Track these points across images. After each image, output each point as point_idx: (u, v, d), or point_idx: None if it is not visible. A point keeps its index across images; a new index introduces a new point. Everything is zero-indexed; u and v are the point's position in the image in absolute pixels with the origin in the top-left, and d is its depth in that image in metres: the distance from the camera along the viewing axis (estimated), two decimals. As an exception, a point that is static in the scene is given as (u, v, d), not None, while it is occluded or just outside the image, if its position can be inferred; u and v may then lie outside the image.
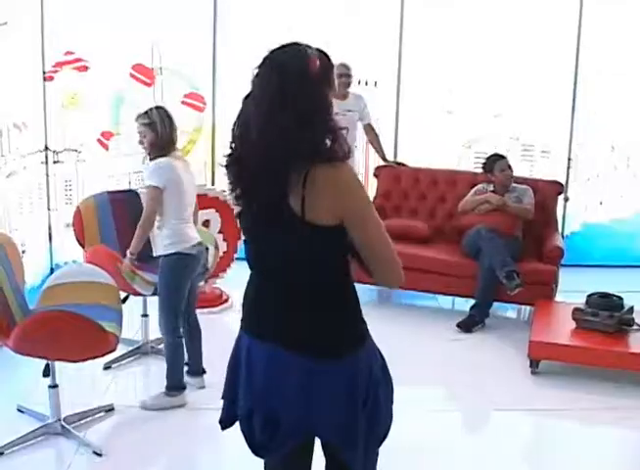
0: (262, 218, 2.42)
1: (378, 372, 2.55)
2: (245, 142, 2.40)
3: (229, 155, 2.45)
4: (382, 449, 2.66)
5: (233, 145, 2.44)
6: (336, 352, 2.45)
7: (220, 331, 6.10)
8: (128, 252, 4.64)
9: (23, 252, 5.93)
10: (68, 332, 3.97)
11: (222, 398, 2.67)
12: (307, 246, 2.39)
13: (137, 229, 4.59)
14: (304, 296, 2.46)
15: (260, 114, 2.33)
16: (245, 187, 2.44)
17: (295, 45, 2.37)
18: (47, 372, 4.26)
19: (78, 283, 4.44)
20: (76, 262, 5.18)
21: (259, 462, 2.93)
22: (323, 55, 2.41)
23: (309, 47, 2.38)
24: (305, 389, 2.45)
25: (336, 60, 2.45)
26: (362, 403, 2.47)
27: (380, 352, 2.60)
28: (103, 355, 4.28)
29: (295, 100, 2.30)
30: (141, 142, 4.60)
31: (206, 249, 4.81)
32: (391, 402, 2.64)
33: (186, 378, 4.79)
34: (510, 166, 6.51)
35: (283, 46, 2.37)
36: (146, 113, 4.60)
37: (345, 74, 6.79)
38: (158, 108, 4.67)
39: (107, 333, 4.05)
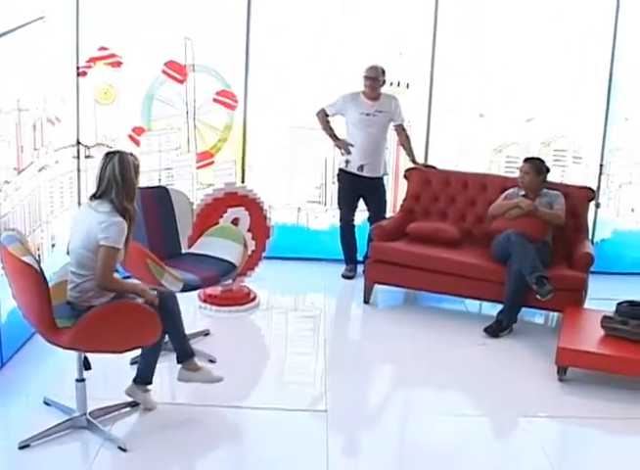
0: None
1: None
2: None
3: None
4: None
5: None
6: None
7: (247, 329, 6.14)
8: None
9: (53, 245, 5.97)
10: (125, 322, 4.11)
11: None
12: None
13: None
14: None
15: None
16: None
17: None
18: (88, 365, 4.29)
19: None
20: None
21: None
22: None
23: None
24: None
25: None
26: None
27: None
28: (152, 342, 4.31)
29: None
30: None
31: None
32: None
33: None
34: (534, 171, 6.41)
35: None
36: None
37: (370, 77, 6.82)
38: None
39: (156, 317, 4.16)
